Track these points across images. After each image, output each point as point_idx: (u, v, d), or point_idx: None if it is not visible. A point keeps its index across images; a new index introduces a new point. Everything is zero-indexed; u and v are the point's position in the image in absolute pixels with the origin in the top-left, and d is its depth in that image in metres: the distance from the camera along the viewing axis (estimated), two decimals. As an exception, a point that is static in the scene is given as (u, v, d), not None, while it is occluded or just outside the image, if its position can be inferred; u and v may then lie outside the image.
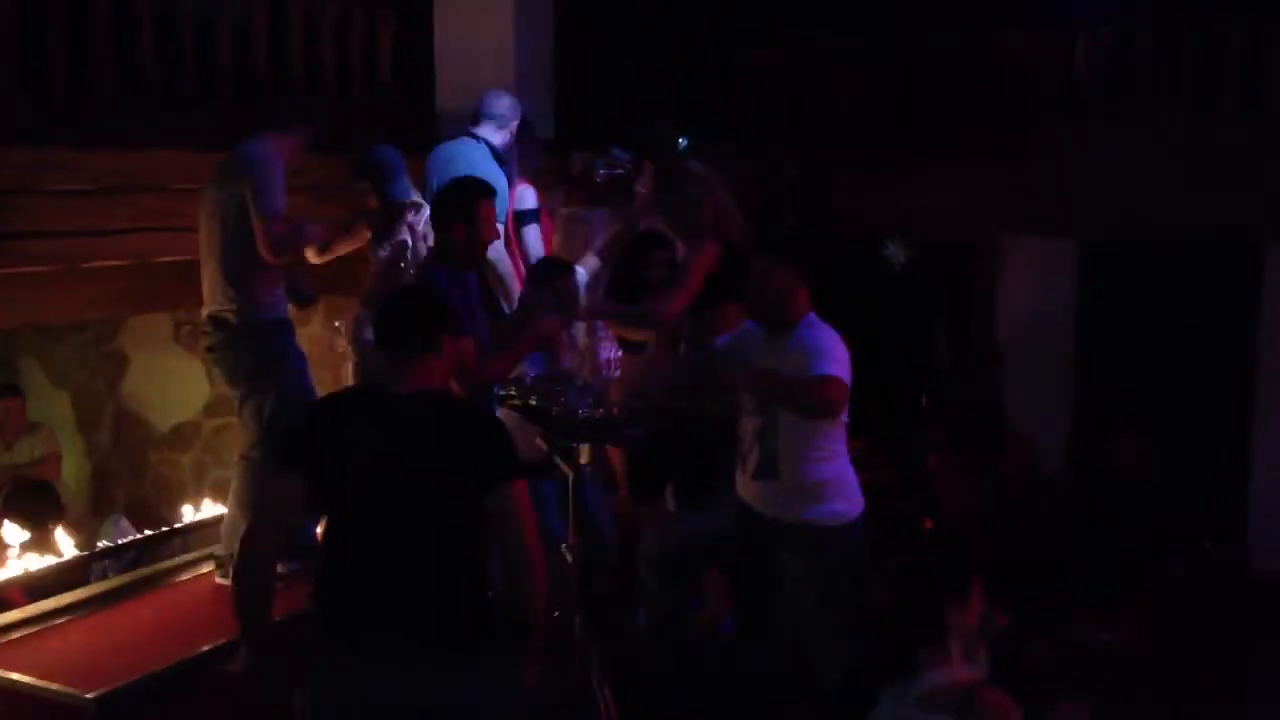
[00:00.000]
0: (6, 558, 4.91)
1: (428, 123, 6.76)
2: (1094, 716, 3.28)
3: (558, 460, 4.38)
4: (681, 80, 8.14)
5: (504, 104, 5.97)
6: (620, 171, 5.91)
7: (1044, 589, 6.40)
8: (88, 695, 3.86)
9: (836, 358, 4.11)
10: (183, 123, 5.35)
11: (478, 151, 5.83)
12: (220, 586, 4.69)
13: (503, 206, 5.74)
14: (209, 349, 4.69)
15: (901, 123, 7.70)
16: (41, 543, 5.00)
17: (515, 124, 5.99)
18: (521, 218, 6.05)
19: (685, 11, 8.29)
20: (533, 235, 6.05)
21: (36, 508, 5.80)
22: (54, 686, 3.94)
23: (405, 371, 3.09)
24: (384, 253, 5.35)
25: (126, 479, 6.49)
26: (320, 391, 4.84)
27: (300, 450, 3.11)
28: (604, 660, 4.35)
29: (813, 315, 4.26)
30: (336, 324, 5.70)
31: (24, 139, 4.85)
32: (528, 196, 6.12)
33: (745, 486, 4.33)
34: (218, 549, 4.76)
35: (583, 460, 4.26)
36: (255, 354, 4.57)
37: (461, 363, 3.38)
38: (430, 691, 2.98)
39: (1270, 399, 7.30)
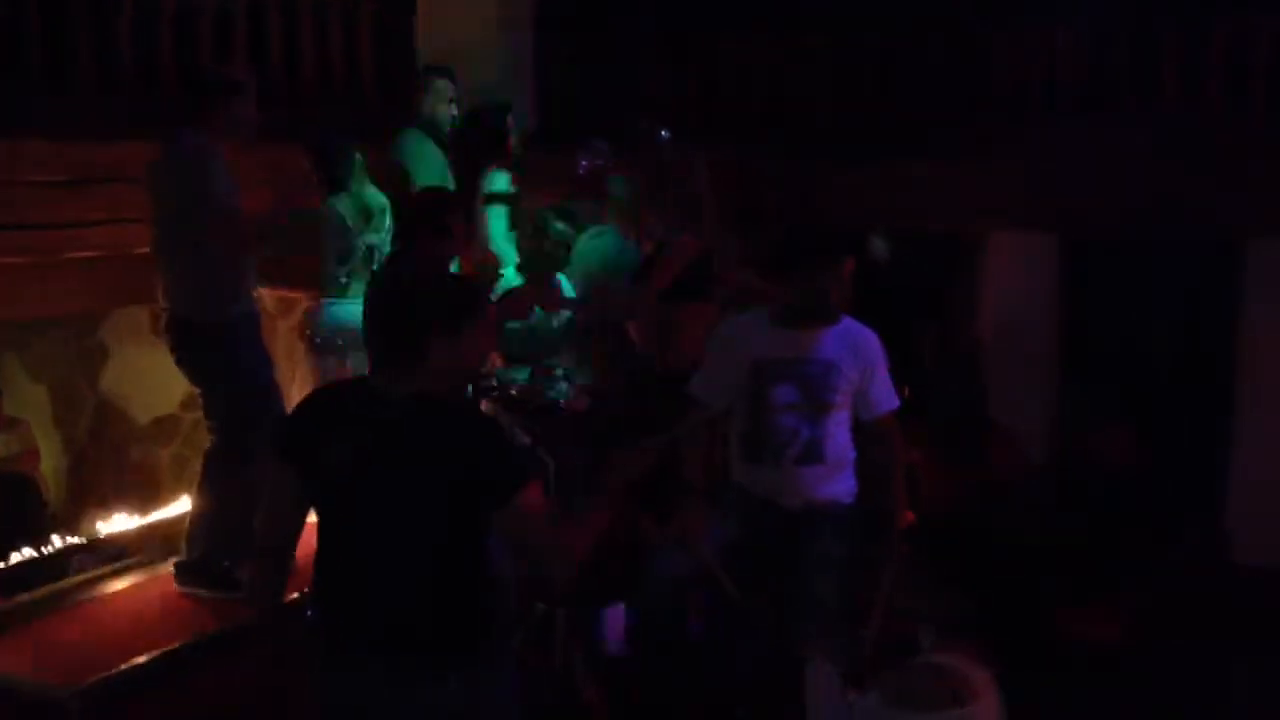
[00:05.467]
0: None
1: (409, 117, 6.73)
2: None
3: (540, 452, 4.37)
4: (663, 74, 8.13)
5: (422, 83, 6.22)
6: (602, 163, 5.93)
7: (1026, 582, 6.41)
8: (66, 690, 3.83)
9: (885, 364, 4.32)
10: (160, 115, 5.31)
11: (409, 140, 6.03)
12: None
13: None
14: (171, 349, 4.61)
15: (885, 119, 7.71)
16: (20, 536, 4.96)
17: (442, 104, 6.16)
18: (487, 199, 6.13)
19: (667, 5, 8.28)
20: (496, 218, 6.13)
21: (15, 502, 5.77)
22: (32, 681, 3.91)
23: (402, 369, 2.94)
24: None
25: (106, 473, 6.44)
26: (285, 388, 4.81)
27: (289, 440, 3.04)
28: (587, 658, 4.35)
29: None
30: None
31: (-1, 131, 4.82)
32: (499, 180, 6.16)
33: (773, 477, 4.33)
34: (181, 554, 4.69)
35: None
36: (212, 354, 4.50)
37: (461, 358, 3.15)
38: (416, 698, 2.90)
39: (1251, 393, 7.34)
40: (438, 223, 4.61)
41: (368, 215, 5.43)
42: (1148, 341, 7.76)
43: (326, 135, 5.50)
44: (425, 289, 3.06)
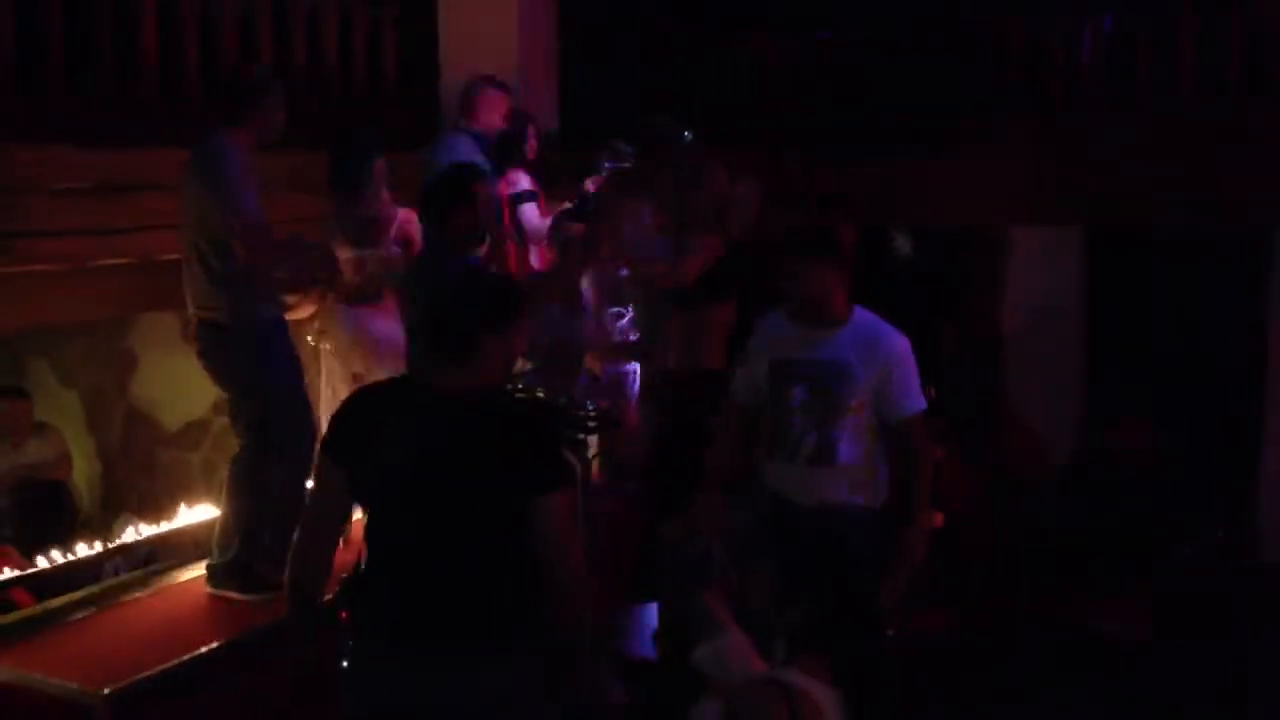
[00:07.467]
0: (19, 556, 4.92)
1: (432, 119, 6.76)
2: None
3: (565, 453, 4.37)
4: (683, 72, 8.13)
5: (480, 92, 6.21)
6: (625, 164, 5.95)
7: (1048, 577, 6.40)
8: (100, 692, 3.86)
9: (915, 368, 4.13)
10: (185, 121, 5.34)
11: (462, 143, 6.00)
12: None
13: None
14: (199, 354, 4.61)
15: (907, 113, 7.68)
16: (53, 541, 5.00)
17: (497, 112, 6.17)
18: (517, 198, 6.31)
19: (686, 4, 8.28)
20: (530, 210, 6.31)
21: (48, 507, 5.82)
22: (66, 684, 3.94)
23: (449, 367, 2.99)
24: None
25: (137, 478, 6.50)
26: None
27: (338, 439, 3.05)
28: (611, 658, 4.35)
29: (859, 309, 4.17)
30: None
31: (25, 138, 4.84)
32: (521, 180, 6.34)
33: (789, 475, 4.26)
34: (211, 558, 4.72)
35: (590, 452, 4.26)
36: (244, 357, 4.49)
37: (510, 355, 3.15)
38: (451, 698, 2.92)
39: (1280, 386, 7.28)
40: (465, 194, 4.70)
41: (362, 232, 5.43)
42: (1175, 334, 7.72)
43: (345, 139, 5.52)
44: (477, 287, 3.15)
